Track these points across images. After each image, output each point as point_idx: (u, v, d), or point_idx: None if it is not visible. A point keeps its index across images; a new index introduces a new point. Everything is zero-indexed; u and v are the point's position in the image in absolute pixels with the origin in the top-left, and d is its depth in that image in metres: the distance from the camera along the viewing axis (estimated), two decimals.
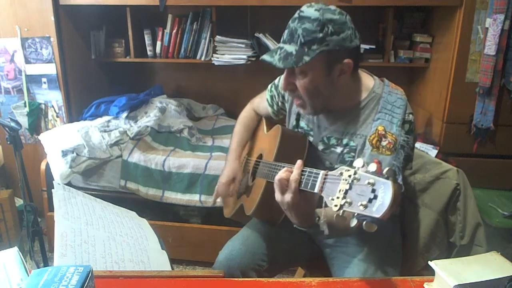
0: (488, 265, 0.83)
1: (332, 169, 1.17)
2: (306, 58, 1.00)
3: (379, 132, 1.06)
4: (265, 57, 1.06)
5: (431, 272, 0.84)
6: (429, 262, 0.83)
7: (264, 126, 1.45)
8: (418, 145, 2.11)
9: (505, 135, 2.10)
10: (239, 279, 1.06)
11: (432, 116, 2.31)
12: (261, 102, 1.45)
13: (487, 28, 1.95)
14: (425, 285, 0.86)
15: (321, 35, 0.99)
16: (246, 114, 1.52)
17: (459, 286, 0.76)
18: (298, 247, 1.30)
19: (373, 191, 0.69)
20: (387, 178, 0.69)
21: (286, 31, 1.05)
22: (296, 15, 1.04)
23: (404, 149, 1.07)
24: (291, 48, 1.02)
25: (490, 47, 1.93)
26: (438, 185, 1.31)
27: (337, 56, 1.03)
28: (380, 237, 1.20)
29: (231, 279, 1.00)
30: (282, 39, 1.06)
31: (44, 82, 2.35)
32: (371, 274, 1.12)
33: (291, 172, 0.93)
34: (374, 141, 1.06)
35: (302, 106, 1.14)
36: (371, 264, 1.15)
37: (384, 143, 1.05)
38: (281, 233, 1.27)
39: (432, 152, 2.09)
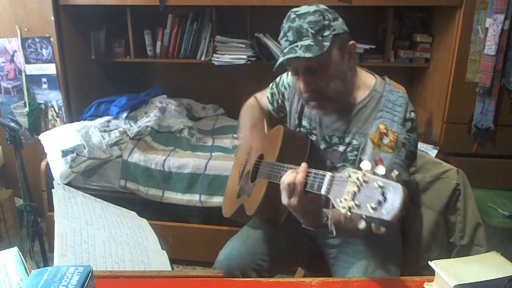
0: (488, 265, 0.83)
1: (334, 168, 1.18)
2: (326, 44, 1.02)
3: (381, 130, 1.07)
4: (286, 56, 1.03)
5: (431, 272, 0.84)
6: (429, 262, 0.83)
7: (265, 126, 1.45)
8: (418, 145, 2.11)
9: (505, 135, 2.10)
10: (239, 279, 1.06)
11: (432, 116, 2.31)
12: (263, 98, 1.47)
13: (487, 28, 1.94)
14: (425, 285, 0.87)
15: (326, 22, 1.03)
16: (251, 101, 1.52)
17: (459, 286, 0.76)
18: (298, 247, 1.30)
19: (383, 193, 0.69)
20: (396, 182, 0.69)
21: (289, 32, 1.04)
22: (292, 15, 1.06)
23: (406, 147, 1.07)
24: (305, 42, 1.02)
25: (490, 47, 1.93)
26: (438, 185, 1.31)
27: (343, 39, 1.07)
28: (380, 237, 1.20)
29: (231, 279, 1.00)
30: (287, 40, 1.05)
31: (44, 82, 2.35)
32: (371, 273, 1.12)
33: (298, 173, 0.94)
34: (375, 139, 1.06)
35: (321, 107, 1.12)
36: (371, 263, 1.15)
37: (385, 141, 1.06)
38: (281, 233, 1.27)
39: (432, 152, 2.09)
